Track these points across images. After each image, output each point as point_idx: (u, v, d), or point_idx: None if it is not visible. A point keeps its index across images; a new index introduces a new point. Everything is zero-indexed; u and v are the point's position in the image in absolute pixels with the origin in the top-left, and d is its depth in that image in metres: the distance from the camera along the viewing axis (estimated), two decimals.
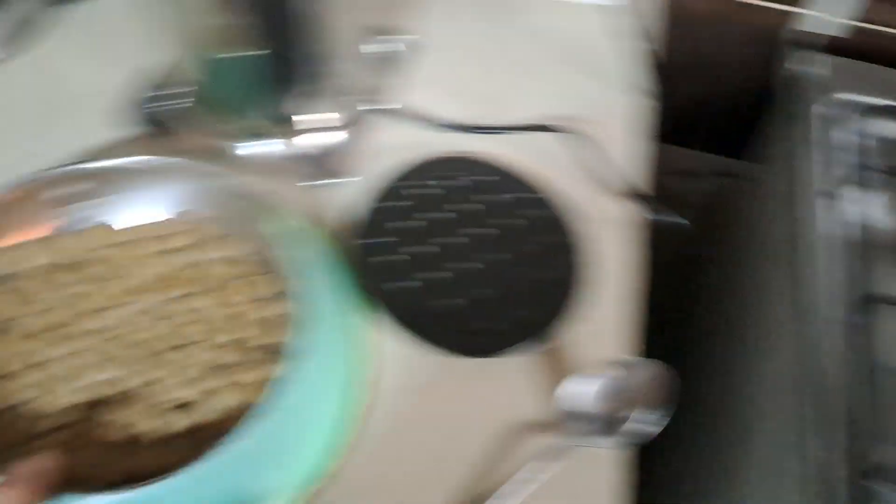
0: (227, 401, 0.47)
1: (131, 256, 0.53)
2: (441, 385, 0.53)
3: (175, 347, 0.49)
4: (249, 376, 0.48)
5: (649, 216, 0.63)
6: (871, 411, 0.53)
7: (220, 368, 0.48)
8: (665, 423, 0.47)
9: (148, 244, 0.54)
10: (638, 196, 0.63)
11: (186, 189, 0.54)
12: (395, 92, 0.68)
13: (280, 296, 0.52)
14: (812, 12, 0.75)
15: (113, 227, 0.54)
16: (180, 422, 0.46)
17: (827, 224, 0.62)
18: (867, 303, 0.57)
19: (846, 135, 0.68)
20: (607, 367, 0.49)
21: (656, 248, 0.63)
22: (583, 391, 0.49)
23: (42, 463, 0.41)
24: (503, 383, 0.53)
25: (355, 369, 0.52)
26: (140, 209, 0.54)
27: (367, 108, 0.65)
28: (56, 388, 0.47)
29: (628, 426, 0.47)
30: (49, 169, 0.52)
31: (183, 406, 0.47)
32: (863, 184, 0.64)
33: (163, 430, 0.46)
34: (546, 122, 0.66)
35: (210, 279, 0.52)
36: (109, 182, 0.53)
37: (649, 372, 0.49)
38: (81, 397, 0.47)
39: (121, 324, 0.50)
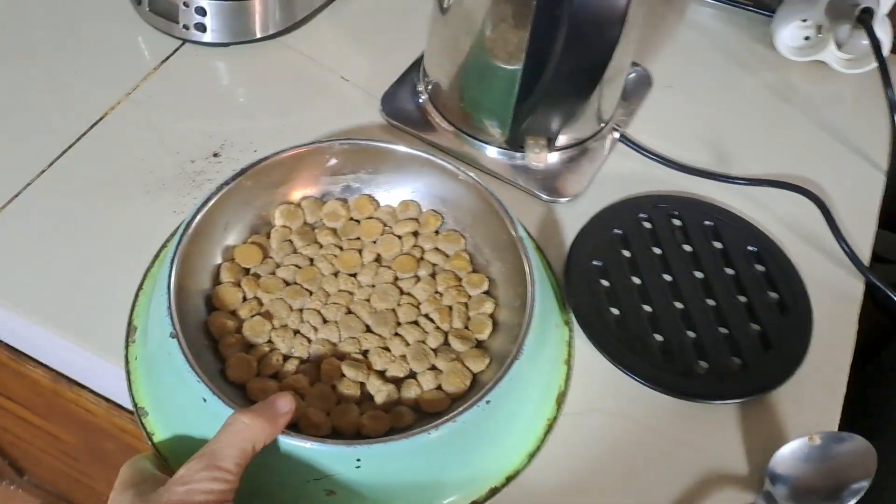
0: (430, 383, 0.50)
1: (373, 232, 0.58)
2: (630, 415, 0.53)
3: (393, 324, 0.53)
4: (451, 366, 0.51)
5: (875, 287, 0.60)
6: None
7: (426, 353, 0.52)
8: (860, 498, 0.45)
9: (382, 225, 0.58)
10: (863, 271, 0.60)
11: (425, 180, 0.58)
12: (630, 124, 0.69)
13: (486, 296, 0.55)
14: None
15: (378, 201, 0.59)
16: (383, 394, 0.50)
17: None
18: None
19: None
20: (815, 437, 0.48)
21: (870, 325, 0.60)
22: (789, 456, 0.48)
23: (285, 402, 0.44)
24: (696, 428, 0.53)
25: (553, 381, 0.53)
26: (380, 191, 0.59)
27: (603, 135, 0.67)
28: (300, 336, 0.52)
29: (827, 498, 0.46)
30: (326, 139, 0.57)
31: (391, 379, 0.51)
32: None
33: (382, 396, 0.50)
34: (775, 179, 0.65)
35: (426, 268, 0.56)
36: (363, 161, 0.58)
37: (855, 447, 0.47)
38: (322, 349, 0.51)
39: (359, 290, 0.55)
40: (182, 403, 0.47)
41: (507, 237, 0.53)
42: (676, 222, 0.62)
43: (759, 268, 0.60)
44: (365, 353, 0.52)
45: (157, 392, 0.49)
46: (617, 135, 0.66)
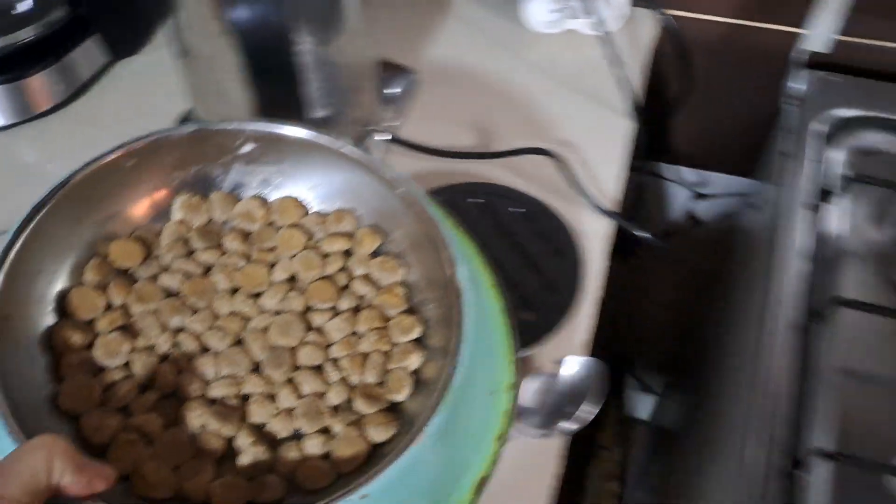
0: (316, 449, 0.40)
1: (293, 244, 0.47)
2: None
3: (289, 366, 0.42)
4: (347, 431, 0.41)
5: (623, 229, 0.66)
6: (809, 409, 0.54)
7: (320, 411, 0.41)
8: (592, 417, 0.49)
9: (307, 237, 0.47)
10: (611, 213, 0.65)
11: (364, 189, 0.47)
12: (398, 122, 0.71)
13: (413, 346, 0.43)
14: (808, 31, 0.78)
15: (306, 206, 0.48)
16: (249, 455, 0.40)
17: (804, 234, 0.64)
18: (830, 306, 0.58)
19: (835, 148, 0.70)
20: (553, 366, 0.52)
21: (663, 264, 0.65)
22: (528, 387, 0.51)
23: (110, 470, 0.34)
24: None
25: (473, 466, 0.42)
26: (310, 192, 0.48)
27: (372, 137, 0.67)
28: (167, 364, 0.42)
29: (559, 419, 0.49)
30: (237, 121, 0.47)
31: (268, 437, 0.41)
32: (846, 195, 0.66)
33: (248, 458, 0.40)
34: (534, 146, 0.68)
35: (349, 301, 0.45)
36: (286, 151, 0.47)
37: (587, 370, 0.51)
38: (190, 386, 0.41)
39: (258, 316, 0.44)
40: None
41: (443, 276, 0.42)
42: (465, 207, 0.64)
43: (528, 225, 0.63)
44: (245, 398, 0.41)
45: None
46: (387, 136, 0.68)
